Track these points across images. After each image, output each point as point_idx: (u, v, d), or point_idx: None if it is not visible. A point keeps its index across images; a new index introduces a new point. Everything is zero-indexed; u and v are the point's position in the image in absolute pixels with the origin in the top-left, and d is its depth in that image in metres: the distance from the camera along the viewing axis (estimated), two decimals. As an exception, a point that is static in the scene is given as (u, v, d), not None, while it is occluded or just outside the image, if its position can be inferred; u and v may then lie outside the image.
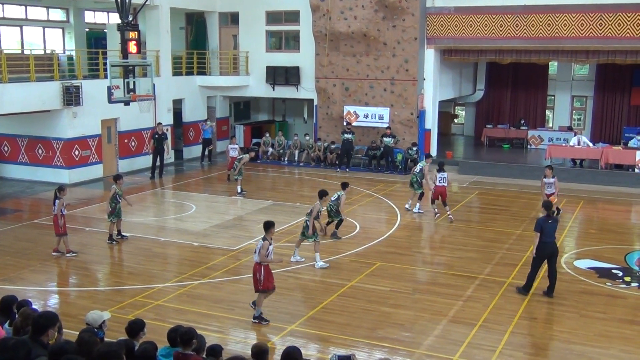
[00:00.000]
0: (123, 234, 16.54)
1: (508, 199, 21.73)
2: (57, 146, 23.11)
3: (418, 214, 19.35)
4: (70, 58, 27.03)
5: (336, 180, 24.82)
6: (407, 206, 19.54)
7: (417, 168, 19.54)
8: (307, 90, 28.83)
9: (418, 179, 19.42)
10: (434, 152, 27.80)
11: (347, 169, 26.43)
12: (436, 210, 18.84)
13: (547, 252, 12.23)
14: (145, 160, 25.75)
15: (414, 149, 25.91)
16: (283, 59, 29.16)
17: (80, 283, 13.65)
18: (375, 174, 25.86)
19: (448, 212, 18.65)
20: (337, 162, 27.03)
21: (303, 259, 14.93)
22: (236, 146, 24.35)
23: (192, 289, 13.10)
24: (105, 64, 23.06)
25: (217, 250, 15.58)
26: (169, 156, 26.84)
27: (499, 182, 24.33)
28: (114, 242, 16.04)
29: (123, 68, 21.10)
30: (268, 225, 11.47)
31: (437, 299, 12.67)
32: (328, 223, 16.91)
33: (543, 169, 19.34)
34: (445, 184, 18.40)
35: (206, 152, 28.12)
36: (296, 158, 28.18)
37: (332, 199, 16.53)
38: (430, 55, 26.77)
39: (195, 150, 29.15)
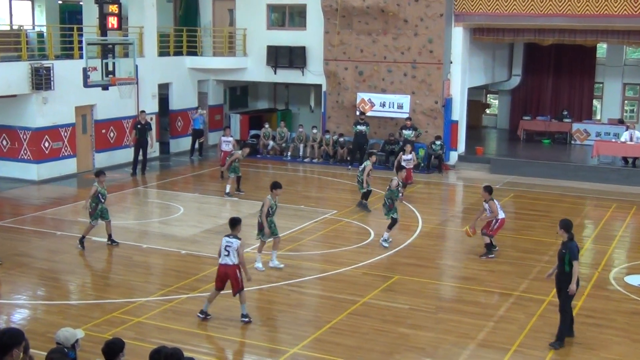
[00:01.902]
0: (114, 239, 16.54)
1: (548, 203, 21.68)
2: (24, 137, 23.21)
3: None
4: (40, 35, 27.13)
5: (347, 180, 24.82)
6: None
7: (362, 167, 20.17)
8: (314, 74, 28.83)
9: (359, 179, 20.14)
10: (461, 147, 27.76)
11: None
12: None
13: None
14: (126, 154, 25.82)
15: (438, 143, 25.89)
16: (287, 37, 29.17)
17: (49, 296, 13.65)
18: (392, 172, 25.80)
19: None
20: (348, 159, 27.03)
21: (281, 265, 15.08)
22: (230, 139, 24.35)
23: (179, 304, 13.09)
24: (80, 42, 23.13)
25: (208, 259, 15.54)
26: (153, 149, 26.89)
27: (538, 184, 24.28)
28: (80, 247, 16.08)
29: (101, 47, 21.15)
30: (236, 222, 12.07)
31: (464, 319, 12.63)
32: (365, 196, 19.83)
33: (587, 169, 19.25)
34: (411, 166, 20.92)
35: (196, 145, 28.19)
36: (301, 153, 28.20)
37: (360, 169, 19.80)
38: (458, 35, 26.73)
39: (183, 143, 29.21)
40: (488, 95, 36.24)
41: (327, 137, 27.80)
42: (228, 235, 12.05)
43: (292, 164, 27.59)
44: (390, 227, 16.93)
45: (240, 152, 21.64)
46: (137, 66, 22.32)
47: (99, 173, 16.29)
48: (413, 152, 21.98)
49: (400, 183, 17.45)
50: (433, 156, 25.95)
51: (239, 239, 11.94)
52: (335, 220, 19.19)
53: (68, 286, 14.29)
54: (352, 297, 13.50)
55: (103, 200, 16.14)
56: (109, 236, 16.48)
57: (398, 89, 26.94)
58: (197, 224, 18.55)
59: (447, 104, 26.76)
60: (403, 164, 21.68)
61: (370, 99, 27.19)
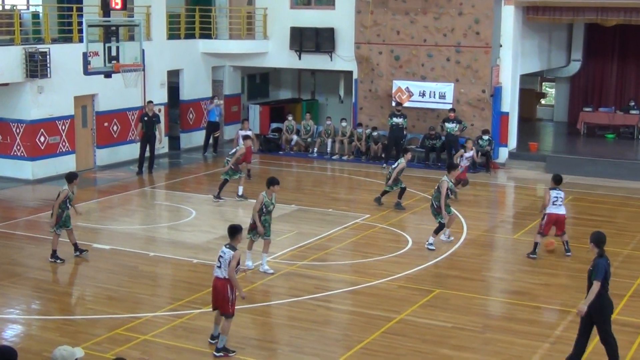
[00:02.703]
0: (81, 248, 16.48)
1: (611, 206, 21.48)
2: (17, 130, 23.44)
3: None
4: (35, 16, 27.37)
5: (381, 179, 24.76)
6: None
7: (395, 163, 20.69)
8: (344, 59, 28.80)
9: (390, 176, 20.63)
10: (512, 142, 27.57)
11: (397, 165, 26.39)
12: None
13: (612, 308, 11.48)
14: (131, 150, 25.98)
15: (486, 138, 25.75)
16: (313, 18, 29.19)
17: (45, 310, 13.74)
18: (433, 171, 25.73)
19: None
20: (382, 155, 26.98)
21: (270, 271, 15.21)
22: (249, 132, 24.40)
23: (190, 320, 13.12)
24: (80, 23, 23.30)
25: (224, 269, 15.63)
26: (162, 145, 27.03)
27: (600, 185, 24.07)
28: (59, 261, 16.03)
29: (103, 29, 21.30)
30: (235, 231, 11.83)
31: (515, 339, 12.54)
32: (383, 193, 20.59)
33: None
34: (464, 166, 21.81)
35: (211, 140, 28.28)
36: (329, 149, 28.19)
37: (392, 166, 20.57)
38: (509, 14, 26.59)
39: (196, 138, 29.34)
40: (543, 83, 35.94)
41: (358, 131, 27.77)
42: (226, 245, 11.83)
43: (319, 162, 27.58)
44: (436, 231, 17.19)
45: (242, 146, 21.56)
46: (143, 51, 22.41)
47: (73, 176, 16.17)
48: (474, 149, 21.91)
49: (452, 182, 17.62)
50: (480, 153, 25.80)
51: (235, 249, 11.66)
52: (368, 225, 19.14)
53: (66, 299, 14.38)
54: (387, 314, 13.45)
55: (69, 206, 16.14)
56: (75, 246, 16.31)
57: (440, 76, 26.82)
58: (211, 230, 18.60)
59: (496, 94, 26.60)
60: (464, 161, 21.89)
61: (407, 87, 27.11)
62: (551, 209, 16.54)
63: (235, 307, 11.99)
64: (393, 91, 27.28)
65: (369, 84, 28.05)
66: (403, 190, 20.65)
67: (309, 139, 28.83)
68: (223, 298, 11.62)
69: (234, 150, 21.61)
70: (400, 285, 14.97)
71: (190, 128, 29.38)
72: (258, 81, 33.42)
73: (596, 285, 10.80)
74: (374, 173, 25.62)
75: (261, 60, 30.33)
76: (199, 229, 18.67)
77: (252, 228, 15.20)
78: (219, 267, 11.66)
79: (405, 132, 26.59)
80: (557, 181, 16.70)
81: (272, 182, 15.07)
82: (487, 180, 24.79)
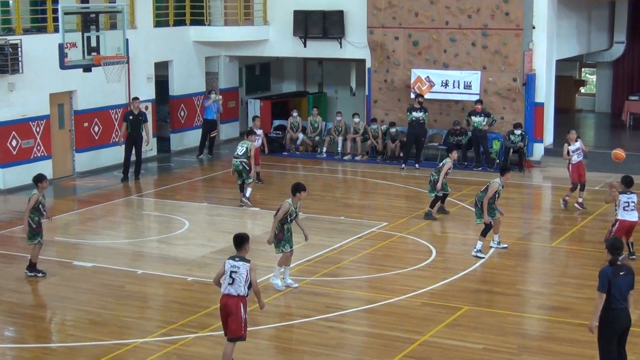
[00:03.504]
0: (40, 269, 16.38)
1: (664, 208, 21.39)
2: (-14, 134, 23.48)
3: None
4: (4, 4, 27.40)
5: (399, 182, 24.73)
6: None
7: (440, 164, 20.69)
8: (355, 46, 28.79)
9: (431, 180, 20.54)
10: (548, 137, 27.47)
11: (417, 165, 26.33)
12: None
13: (619, 325, 11.55)
14: (115, 154, 26.00)
15: (518, 133, 25.68)
16: (319, 0, 29.18)
17: (19, 337, 13.74)
18: (459, 171, 25.64)
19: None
20: (401, 155, 26.95)
21: (296, 285, 15.35)
22: (260, 131, 24.37)
23: (185, 346, 13.10)
24: (55, 11, 23.32)
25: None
26: (150, 147, 27.05)
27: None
28: (40, 274, 16.14)
29: (82, 17, 21.32)
30: (242, 241, 11.87)
31: (556, 362, 12.53)
32: (434, 203, 20.50)
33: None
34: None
35: (207, 141, 28.28)
36: (339, 148, 28.17)
37: (437, 168, 20.45)
38: (542, -9, 26.63)
39: (188, 138, 29.36)
40: (583, 69, 35.84)
41: (373, 127, 27.74)
42: (233, 258, 11.79)
43: (329, 163, 27.56)
44: (483, 233, 17.44)
45: (248, 143, 21.58)
46: (127, 41, 22.44)
47: (41, 178, 16.25)
48: (580, 139, 21.68)
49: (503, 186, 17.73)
50: (512, 150, 25.73)
51: (248, 261, 11.71)
52: (386, 235, 19.11)
53: (43, 324, 14.37)
54: (408, 335, 13.41)
55: (44, 212, 16.21)
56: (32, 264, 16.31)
57: (465, 64, 26.77)
58: (207, 243, 18.59)
59: (529, 82, 26.53)
60: (573, 157, 21.37)
61: (428, 77, 27.07)
62: (623, 215, 16.57)
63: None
64: (412, 81, 27.23)
65: (384, 73, 28.00)
66: (445, 196, 20.72)
67: (316, 138, 28.80)
68: (236, 319, 11.56)
69: (242, 149, 21.50)
70: (424, 302, 14.92)
71: (181, 127, 29.38)
72: (258, 73, 33.40)
73: (597, 297, 11.07)
74: (391, 175, 25.58)
75: (261, 48, 30.31)
76: (193, 243, 18.65)
77: (279, 239, 15.25)
78: (231, 283, 11.59)
79: (426, 128, 26.55)
80: (628, 183, 16.72)
81: (298, 188, 15.18)
82: (520, 181, 24.71)
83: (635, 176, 24.11)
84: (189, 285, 15.85)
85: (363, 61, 29.06)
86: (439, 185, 20.16)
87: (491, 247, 17.79)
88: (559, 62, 28.48)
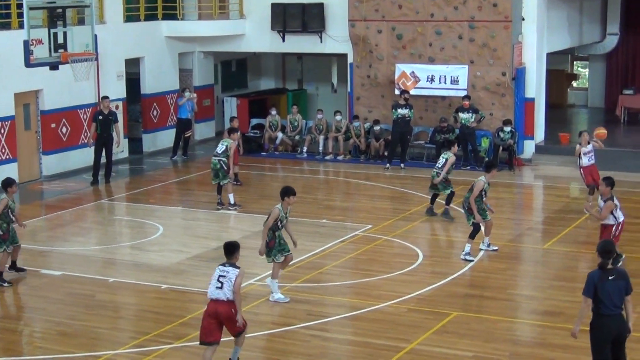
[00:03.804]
0: (19, 266, 16.60)
1: (660, 207, 21.52)
2: (-53, 136, 23.37)
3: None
4: (-35, -2, 27.33)
5: (384, 183, 24.73)
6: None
7: (442, 160, 20.45)
8: (336, 40, 28.78)
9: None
10: (540, 134, 27.54)
11: (402, 165, 26.35)
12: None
13: (607, 333, 11.59)
14: (84, 156, 25.90)
15: (508, 130, 25.72)
16: (298, -9, 29.20)
17: (-16, 350, 13.73)
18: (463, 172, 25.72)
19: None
20: (385, 154, 26.96)
21: (287, 299, 15.26)
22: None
23: (159, 357, 13.05)
24: (20, 6, 23.18)
25: (198, 295, 15.46)
26: (121, 148, 26.97)
27: (646, 181, 24.14)
28: (6, 284, 16.10)
29: (48, 12, 21.20)
30: (234, 249, 12.21)
31: (549, 369, 12.57)
32: (449, 200, 20.43)
33: None
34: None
35: (181, 141, 28.23)
36: (320, 148, 28.15)
37: (438, 165, 20.28)
38: (531, -19, 26.72)
39: (161, 139, 29.30)
40: (575, 62, 35.91)
41: (355, 125, 27.74)
42: (224, 264, 12.10)
43: (310, 163, 27.55)
44: (471, 235, 17.45)
45: (230, 141, 21.52)
46: (96, 36, 22.33)
47: (11, 182, 16.31)
48: (593, 141, 21.45)
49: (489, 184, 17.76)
50: (501, 147, 25.78)
51: (237, 267, 12.02)
52: (370, 238, 19.10)
53: (10, 337, 14.26)
54: (395, 343, 13.40)
55: (13, 218, 16.22)
56: (13, 263, 16.54)
57: (451, 58, 26.81)
58: (182, 249, 18.53)
59: (519, 76, 26.59)
60: (584, 160, 21.25)
61: (413, 72, 27.09)
62: (614, 219, 16.43)
63: (225, 340, 12.11)
64: (396, 77, 27.24)
65: (367, 69, 28.01)
66: (452, 194, 20.61)
67: (296, 137, 28.78)
68: (232, 322, 11.95)
69: (222, 147, 21.46)
70: (411, 308, 14.92)
71: (154, 127, 29.30)
72: (234, 69, 33.35)
73: (582, 302, 11.10)
74: (375, 175, 25.58)
75: (237, 44, 30.27)
76: (167, 248, 18.59)
77: (270, 247, 15.16)
78: (219, 287, 11.87)
79: (411, 126, 26.54)
80: (612, 184, 16.56)
81: (287, 192, 15.14)
82: (510, 180, 24.77)
83: (632, 174, 24.47)
84: (163, 294, 15.78)
85: (345, 56, 29.04)
86: (439, 179, 20.15)
87: (480, 249, 17.82)
88: (550, 55, 28.54)
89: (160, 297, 15.63)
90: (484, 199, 17.65)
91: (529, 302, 15.56)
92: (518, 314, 14.97)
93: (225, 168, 21.19)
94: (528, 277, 16.99)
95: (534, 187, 25.15)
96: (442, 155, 20.54)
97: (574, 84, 35.86)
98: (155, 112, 29.23)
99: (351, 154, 27.87)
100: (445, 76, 26.83)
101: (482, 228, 17.72)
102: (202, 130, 30.95)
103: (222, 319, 11.92)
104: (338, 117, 28.07)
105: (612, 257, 11.22)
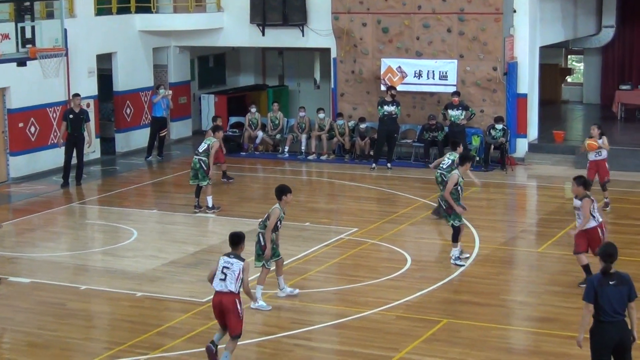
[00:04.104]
0: None
1: (659, 208, 21.63)
2: None
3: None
4: None
5: (370, 183, 24.74)
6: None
7: (447, 161, 19.91)
8: (319, 34, 28.77)
9: (444, 178, 19.67)
10: (533, 132, 27.60)
11: (389, 165, 26.37)
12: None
13: (608, 340, 11.59)
14: (54, 157, 25.84)
15: (500, 127, 25.77)
16: (278, -17, 29.16)
17: (-51, 363, 13.64)
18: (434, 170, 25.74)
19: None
20: (371, 153, 26.97)
21: (296, 291, 15.61)
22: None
23: (135, 369, 13.06)
24: (-16, -2, 23.14)
25: (174, 303, 15.56)
26: (93, 149, 26.89)
27: (644, 181, 24.24)
28: None
29: (15, 5, 21.13)
30: (239, 240, 12.81)
31: (545, 378, 12.60)
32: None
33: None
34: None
35: (156, 141, 28.18)
36: (303, 147, 28.15)
37: (442, 165, 19.81)
38: (523, -29, 26.78)
39: (135, 138, 29.25)
40: (569, 56, 36.03)
41: (339, 123, 27.74)
42: (228, 254, 12.71)
43: (291, 163, 27.55)
44: (454, 238, 17.39)
45: (214, 140, 21.50)
46: (66, 31, 22.29)
47: None
48: (605, 137, 21.39)
49: (463, 178, 17.68)
50: (493, 146, 25.82)
51: (243, 259, 12.58)
52: (356, 242, 19.11)
53: (-24, 348, 14.26)
54: (382, 352, 13.40)
55: None
56: None
57: (440, 52, 26.84)
58: (158, 254, 18.50)
59: (511, 71, 26.65)
60: (590, 155, 21.39)
61: (400, 67, 27.11)
62: (594, 222, 15.89)
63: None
64: (382, 72, 27.26)
65: (351, 64, 28.02)
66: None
67: (277, 136, 28.76)
68: (234, 314, 12.43)
69: (204, 145, 21.45)
70: (399, 315, 14.92)
71: (127, 126, 29.23)
72: (212, 65, 33.33)
73: (584, 309, 11.09)
74: (360, 176, 25.59)
75: (215, 38, 30.24)
76: (142, 254, 18.55)
77: (261, 252, 15.32)
78: (223, 279, 12.48)
79: (398, 124, 26.56)
80: (585, 184, 16.19)
81: (283, 190, 15.32)
82: (502, 180, 24.82)
83: (630, 173, 24.54)
84: (138, 302, 15.74)
85: (328, 50, 29.05)
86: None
87: (451, 259, 17.67)
88: (543, 49, 28.61)
89: (135, 306, 15.58)
90: (461, 195, 17.52)
91: (523, 308, 15.58)
92: (511, 321, 14.99)
93: (205, 168, 21.15)
94: (522, 282, 17.00)
95: (527, 187, 25.19)
96: (448, 156, 20.13)
97: (569, 79, 35.98)
98: (128, 111, 29.15)
99: (335, 153, 27.89)
100: (433, 71, 26.85)
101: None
102: (178, 130, 30.90)
103: (224, 310, 12.41)
104: (321, 115, 28.09)
105: (614, 260, 11.12)
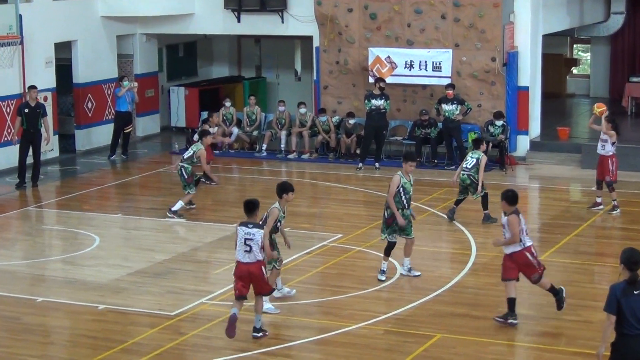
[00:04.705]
0: None
1: (673, 212, 21.72)
2: None
3: None
4: None
5: (356, 185, 24.77)
6: None
7: (470, 160, 20.49)
8: (300, 20, 28.81)
9: (473, 179, 20.39)
10: (535, 128, 27.68)
11: (377, 164, 26.41)
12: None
13: (632, 356, 11.58)
14: (7, 155, 25.85)
15: (499, 123, 25.83)
16: (255, -36, 29.17)
17: None
18: (428, 170, 25.81)
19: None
20: (357, 152, 26.98)
21: (293, 291, 16.20)
22: (215, 129, 24.37)
23: (97, 389, 13.05)
24: None
25: (141, 317, 15.55)
26: (50, 147, 26.84)
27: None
28: None
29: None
30: (254, 207, 14.32)
31: (547, 398, 12.64)
32: (458, 202, 21.01)
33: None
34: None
35: (120, 138, 28.15)
36: (282, 145, 28.17)
37: (467, 165, 20.49)
38: (524, -48, 26.88)
39: (97, 135, 29.25)
40: (575, 45, 36.14)
41: (322, 119, 27.74)
42: (246, 224, 14.12)
43: (270, 163, 27.58)
44: (386, 252, 17.25)
45: (199, 146, 21.61)
46: (21, 17, 22.27)
47: None
48: (607, 124, 21.66)
49: (407, 179, 17.53)
50: (491, 144, 25.87)
51: (261, 227, 14.18)
52: (341, 249, 19.15)
53: None
54: (370, 370, 13.40)
55: None
56: None
57: (433, 41, 26.90)
58: (122, 263, 18.50)
59: (511, 62, 26.74)
60: (598, 146, 21.73)
61: (389, 57, 27.16)
62: (521, 245, 15.27)
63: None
64: (369, 63, 27.32)
65: (336, 53, 28.05)
66: (486, 196, 21.00)
67: (254, 133, 28.77)
68: (262, 280, 14.26)
69: (190, 152, 21.59)
70: (387, 330, 14.94)
71: (89, 122, 29.21)
72: (182, 54, 33.33)
73: (605, 319, 11.00)
74: (346, 176, 25.63)
75: (185, 25, 30.23)
76: (105, 263, 18.54)
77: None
78: (248, 251, 14.03)
79: (387, 119, 26.61)
80: (511, 200, 15.13)
81: (285, 189, 15.58)
82: (501, 181, 24.85)
83: (633, 172, 24.62)
84: (100, 315, 15.72)
85: (310, 39, 29.10)
86: (479, 187, 20.51)
87: (402, 274, 17.56)
88: (546, 38, 28.71)
89: (97, 320, 15.55)
90: (404, 198, 17.01)
91: (525, 322, 15.54)
92: (512, 336, 14.98)
93: (186, 176, 21.27)
94: (523, 294, 16.97)
95: (528, 189, 25.25)
96: (470, 154, 20.73)
97: (574, 70, 36.10)
98: (90, 105, 29.10)
99: (318, 152, 27.92)
100: (426, 62, 26.92)
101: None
102: (145, 125, 30.88)
103: (252, 279, 14.09)
104: (302, 110, 28.11)
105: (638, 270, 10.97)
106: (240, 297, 14.15)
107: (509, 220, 14.97)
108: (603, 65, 34.51)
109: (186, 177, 21.30)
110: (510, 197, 15.03)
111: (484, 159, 20.51)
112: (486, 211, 20.85)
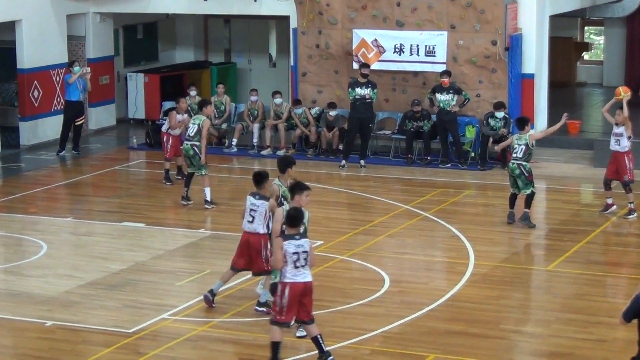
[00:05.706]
0: None
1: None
2: None
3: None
4: None
5: (339, 185, 24.78)
6: None
7: (519, 148, 20.48)
8: (275, -2, 28.88)
9: (524, 171, 20.48)
10: (541, 121, 27.72)
11: (363, 161, 26.45)
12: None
13: None
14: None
15: (500, 115, 25.87)
16: None
17: None
18: (419, 169, 25.85)
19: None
20: (340, 148, 27.01)
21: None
22: (182, 117, 24.41)
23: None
24: None
25: (95, 335, 15.51)
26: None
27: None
28: None
29: None
30: (262, 178, 15.78)
31: None
32: (512, 200, 21.10)
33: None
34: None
35: (71, 131, 28.10)
36: (255, 140, 28.19)
37: (517, 154, 20.47)
38: None
39: (44, 128, 29.22)
40: (586, 28, 36.24)
41: (298, 111, 27.74)
42: (254, 194, 15.61)
43: (241, 160, 27.60)
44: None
45: (202, 118, 22.09)
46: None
47: None
48: (624, 123, 21.82)
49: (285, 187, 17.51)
50: (491, 139, 25.92)
51: (268, 199, 15.33)
52: (322, 258, 19.12)
53: None
54: (355, 395, 13.46)
55: None
56: None
57: (426, 21, 26.95)
58: (73, 273, 18.46)
59: (514, 46, 26.80)
60: (613, 145, 21.73)
61: (376, 40, 27.18)
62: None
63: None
64: (354, 47, 27.34)
65: (316, 36, 28.05)
66: (532, 195, 21.05)
67: (223, 125, 28.78)
68: (260, 254, 15.52)
69: (194, 127, 22.07)
70: (374, 349, 14.97)
71: (35, 113, 29.15)
72: (141, 36, 33.31)
73: (620, 322, 11.29)
74: (327, 176, 25.64)
75: (145, 3, 30.18)
76: (53, 273, 18.51)
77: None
78: (251, 222, 15.55)
79: (374, 111, 26.65)
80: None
81: (288, 162, 16.22)
82: (503, 182, 24.87)
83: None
84: (48, 332, 15.67)
85: (286, 19, 29.11)
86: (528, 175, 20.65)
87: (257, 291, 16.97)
88: (554, 19, 28.78)
89: (45, 337, 15.51)
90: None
91: (529, 340, 15.64)
92: (515, 356, 15.06)
93: (200, 155, 21.74)
94: (527, 308, 17.09)
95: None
96: (516, 140, 20.70)
97: (585, 56, 36.20)
98: (36, 93, 29.04)
99: (296, 147, 27.91)
100: (418, 46, 26.95)
101: None
102: (99, 117, 30.85)
103: (250, 251, 15.48)
104: (278, 100, 28.10)
105: None
106: (233, 268, 15.83)
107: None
108: (618, 50, 34.59)
109: (200, 155, 21.77)
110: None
111: (532, 137, 20.77)
112: (527, 210, 20.90)
